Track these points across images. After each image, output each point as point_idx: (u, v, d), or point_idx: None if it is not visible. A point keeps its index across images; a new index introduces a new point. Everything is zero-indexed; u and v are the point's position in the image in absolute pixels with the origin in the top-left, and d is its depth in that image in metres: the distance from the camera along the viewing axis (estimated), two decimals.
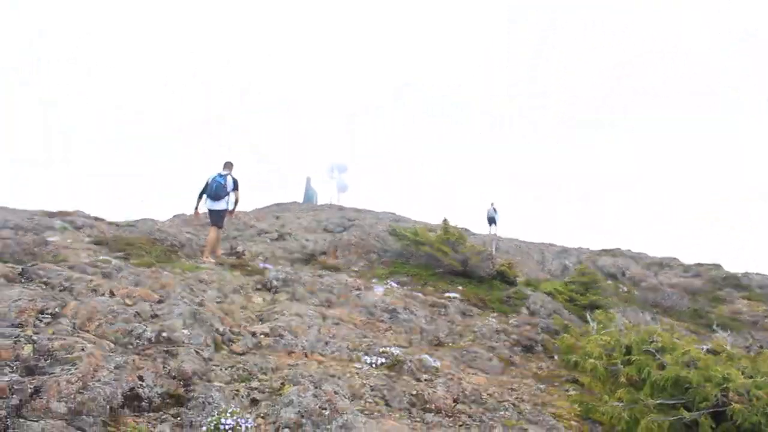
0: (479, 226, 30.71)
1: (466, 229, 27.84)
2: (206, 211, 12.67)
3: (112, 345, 4.39)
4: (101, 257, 9.59)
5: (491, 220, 32.06)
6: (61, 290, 5.63)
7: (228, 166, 12.76)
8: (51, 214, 14.72)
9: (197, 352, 4.53)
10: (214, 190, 12.33)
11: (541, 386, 7.07)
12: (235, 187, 12.71)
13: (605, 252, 33.70)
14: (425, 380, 5.63)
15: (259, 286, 8.68)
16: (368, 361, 5.70)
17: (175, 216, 21.47)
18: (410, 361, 5.89)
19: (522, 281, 14.83)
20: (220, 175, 12.49)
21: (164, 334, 4.80)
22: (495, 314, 11.10)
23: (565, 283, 15.37)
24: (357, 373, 5.25)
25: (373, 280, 12.26)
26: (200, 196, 12.58)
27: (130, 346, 4.50)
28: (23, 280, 6.02)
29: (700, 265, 31.31)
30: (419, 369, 5.91)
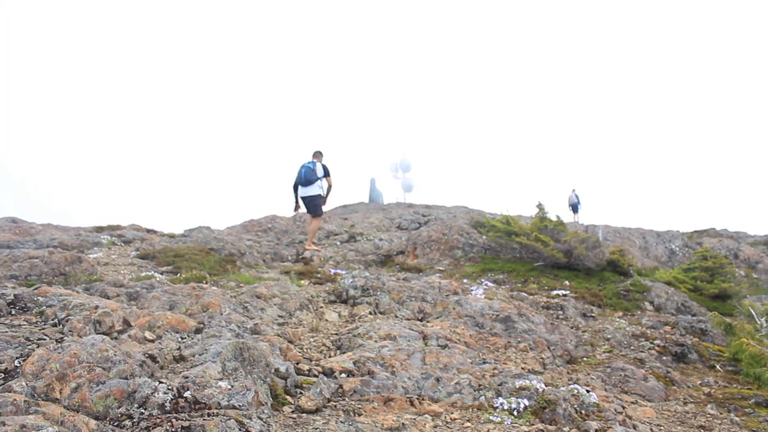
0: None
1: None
2: (301, 199, 12.92)
3: (94, 424, 2.54)
4: (144, 273, 8.04)
5: (574, 207, 29.88)
6: (53, 324, 3.91)
7: (317, 155, 13.07)
8: (100, 229, 13.37)
9: (241, 424, 2.67)
10: (304, 176, 12.65)
11: (735, 417, 5.02)
12: (326, 173, 12.93)
13: (699, 233, 30.97)
14: None
15: (332, 298, 6.85)
16: (505, 407, 3.76)
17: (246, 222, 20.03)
18: (564, 399, 3.93)
19: (633, 271, 12.67)
20: (309, 162, 12.82)
21: (188, 394, 2.86)
22: (619, 314, 9.07)
23: (683, 269, 13.15)
24: None
25: (465, 281, 10.37)
26: (295, 189, 12.95)
27: (127, 424, 2.61)
28: (13, 311, 4.34)
29: None
30: (578, 410, 3.96)
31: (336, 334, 5.11)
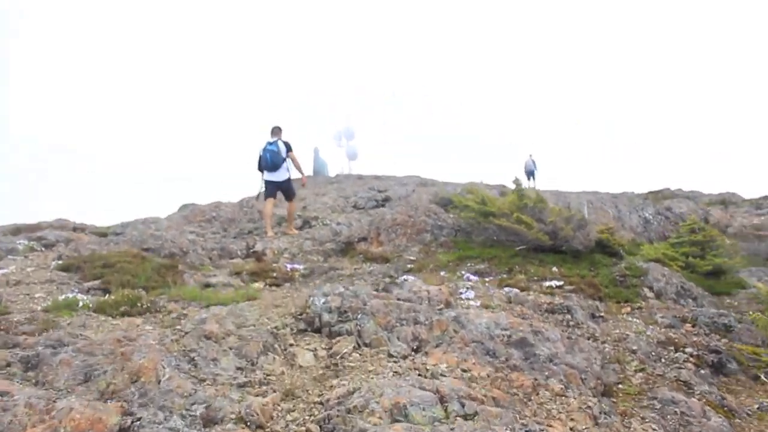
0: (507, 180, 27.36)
1: (503, 186, 24.71)
2: (265, 182, 12.28)
3: None
4: (63, 296, 6.45)
5: (530, 174, 29.16)
6: None
7: (276, 131, 12.17)
8: (16, 231, 11.54)
9: None
10: (270, 160, 11.89)
11: None
12: (289, 149, 12.14)
13: (655, 194, 30.53)
14: None
15: (302, 326, 5.40)
16: None
17: (182, 206, 18.33)
18: None
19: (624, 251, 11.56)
20: (270, 143, 12.03)
21: None
22: (627, 309, 7.96)
23: (671, 244, 12.16)
24: None
25: (442, 273, 9.10)
26: (261, 171, 12.21)
27: None
28: None
29: (767, 198, 28.09)
30: None
31: (320, 403, 3.68)
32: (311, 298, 5.69)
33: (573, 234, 10.14)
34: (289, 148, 12.16)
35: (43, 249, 9.89)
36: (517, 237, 10.50)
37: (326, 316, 5.36)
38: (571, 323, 6.61)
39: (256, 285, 8.63)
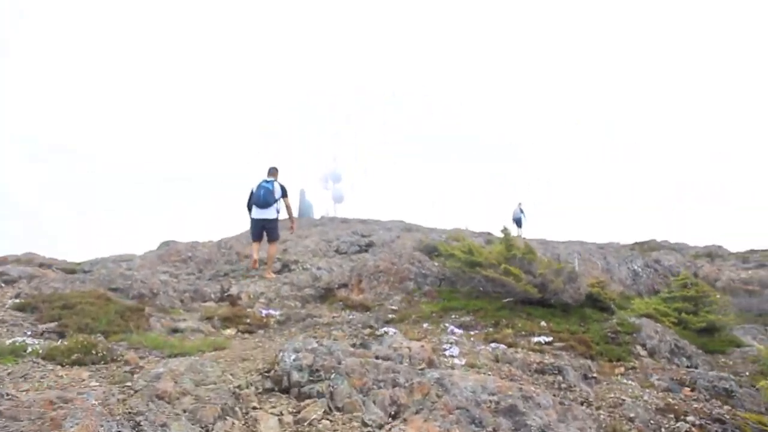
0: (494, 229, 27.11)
1: (489, 233, 24.41)
2: (252, 221, 11.97)
3: None
4: (11, 340, 5.93)
5: (518, 222, 28.94)
6: None
7: (273, 172, 11.97)
8: None
9: None
10: (262, 197, 11.64)
11: None
12: (284, 194, 12.01)
13: (641, 245, 30.28)
14: None
15: (269, 384, 4.88)
16: None
17: (162, 243, 17.79)
18: None
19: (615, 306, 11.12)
20: (266, 181, 11.85)
21: None
22: (621, 369, 7.48)
23: (663, 299, 11.74)
24: None
25: (425, 326, 8.61)
26: (249, 209, 11.96)
27: None
28: None
29: (753, 251, 27.89)
30: None
31: None
32: (281, 353, 5.17)
33: (563, 287, 9.70)
34: (284, 193, 11.98)
35: (2, 285, 9.31)
36: (504, 289, 10.03)
37: (296, 375, 4.84)
38: (563, 386, 6.12)
39: (228, 332, 8.15)
